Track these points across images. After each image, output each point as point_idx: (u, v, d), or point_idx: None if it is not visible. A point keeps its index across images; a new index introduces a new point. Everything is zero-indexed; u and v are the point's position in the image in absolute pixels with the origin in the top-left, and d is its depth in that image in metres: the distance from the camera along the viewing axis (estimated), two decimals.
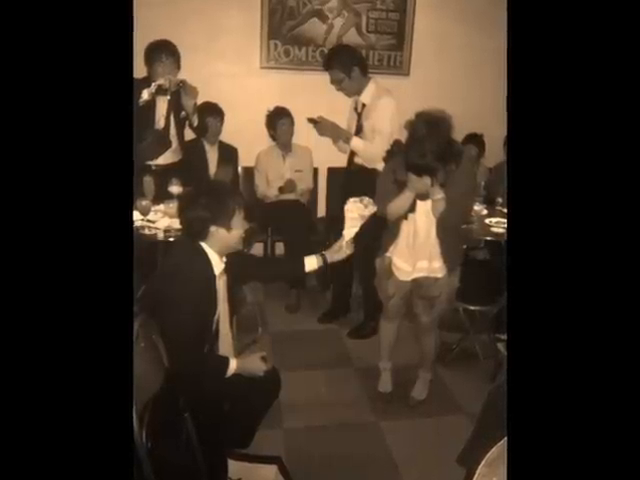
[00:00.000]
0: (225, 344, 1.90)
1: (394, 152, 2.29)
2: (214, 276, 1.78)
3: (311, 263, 2.04)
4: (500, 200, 3.16)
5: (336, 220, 2.45)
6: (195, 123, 3.02)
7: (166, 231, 2.51)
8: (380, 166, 2.50)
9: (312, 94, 3.49)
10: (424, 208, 2.14)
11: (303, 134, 3.37)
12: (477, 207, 2.93)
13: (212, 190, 1.83)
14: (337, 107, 3.00)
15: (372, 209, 2.06)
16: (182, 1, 3.44)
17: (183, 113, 2.94)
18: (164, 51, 2.81)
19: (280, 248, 3.67)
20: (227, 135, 3.49)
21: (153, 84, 2.73)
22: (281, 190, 3.47)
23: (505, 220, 2.79)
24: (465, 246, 2.62)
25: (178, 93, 2.83)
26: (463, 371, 2.78)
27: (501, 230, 2.78)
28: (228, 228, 1.73)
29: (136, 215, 2.55)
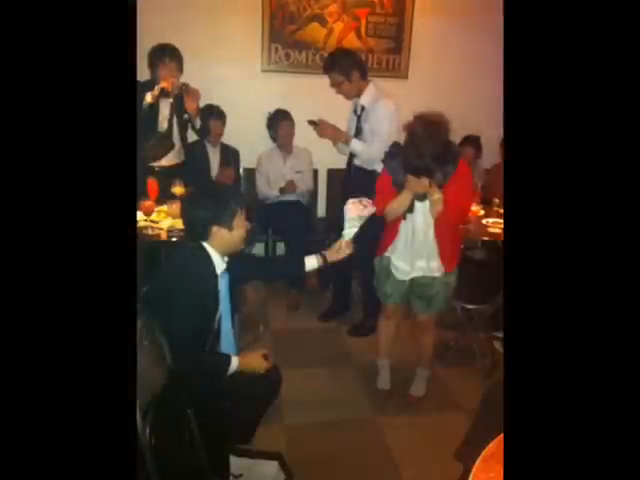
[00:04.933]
0: (227, 342, 1.90)
1: (393, 154, 2.29)
2: (216, 275, 1.78)
3: (311, 263, 2.04)
4: (497, 201, 3.16)
5: (336, 220, 2.45)
6: (197, 125, 3.02)
7: (169, 231, 2.52)
8: (379, 167, 2.50)
9: (312, 97, 3.50)
10: (422, 208, 2.14)
11: (303, 136, 3.37)
12: (474, 208, 2.93)
13: (214, 191, 1.83)
14: (337, 110, 3.00)
15: (371, 210, 2.06)
16: (185, 6, 3.43)
17: (186, 115, 2.94)
18: (167, 54, 2.82)
19: (281, 248, 3.67)
20: (229, 137, 3.49)
21: (156, 87, 2.74)
22: (282, 191, 3.47)
23: (502, 220, 2.80)
24: (462, 246, 2.62)
25: (181, 96, 2.84)
26: (461, 368, 2.78)
27: (498, 230, 2.78)
28: (230, 228, 1.73)
29: (140, 215, 2.55)
